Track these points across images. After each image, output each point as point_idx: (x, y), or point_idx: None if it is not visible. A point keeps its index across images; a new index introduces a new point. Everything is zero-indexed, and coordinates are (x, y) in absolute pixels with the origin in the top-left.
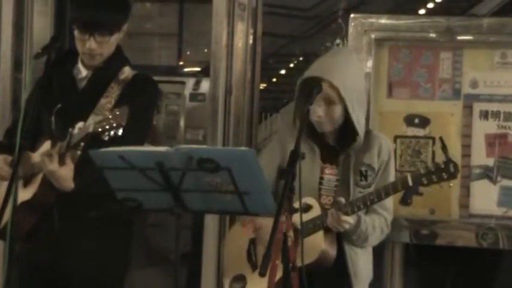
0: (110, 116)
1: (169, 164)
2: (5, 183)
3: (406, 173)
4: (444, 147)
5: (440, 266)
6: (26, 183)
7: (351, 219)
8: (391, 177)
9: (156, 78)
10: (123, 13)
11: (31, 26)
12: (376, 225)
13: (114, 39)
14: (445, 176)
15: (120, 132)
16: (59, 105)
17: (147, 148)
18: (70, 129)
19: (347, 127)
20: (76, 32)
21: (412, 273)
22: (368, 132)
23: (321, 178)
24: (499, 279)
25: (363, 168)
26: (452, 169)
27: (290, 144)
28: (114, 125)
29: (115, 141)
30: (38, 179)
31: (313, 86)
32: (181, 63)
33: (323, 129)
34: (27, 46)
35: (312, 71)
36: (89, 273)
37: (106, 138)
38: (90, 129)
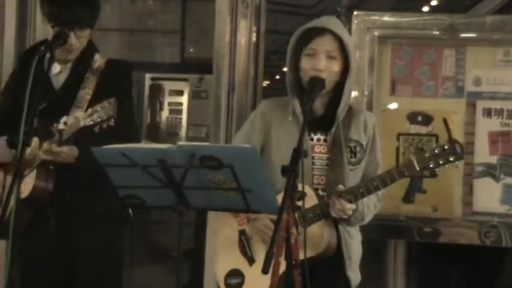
0: (99, 109)
1: (171, 161)
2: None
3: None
4: (448, 129)
5: (443, 263)
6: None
7: (354, 206)
8: (379, 155)
9: (159, 75)
10: (97, 5)
11: (34, 23)
12: (371, 204)
13: (91, 32)
14: (451, 158)
15: (113, 123)
16: (43, 105)
17: (150, 145)
18: (55, 125)
19: (336, 97)
20: (52, 29)
21: (414, 271)
22: (350, 108)
23: (312, 157)
24: (501, 277)
25: (352, 145)
26: (458, 149)
27: (276, 126)
28: (106, 117)
29: (107, 132)
30: (32, 176)
31: (316, 82)
32: (184, 60)
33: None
34: (31, 43)
35: (314, 23)
36: (87, 268)
37: (97, 131)
38: (81, 124)
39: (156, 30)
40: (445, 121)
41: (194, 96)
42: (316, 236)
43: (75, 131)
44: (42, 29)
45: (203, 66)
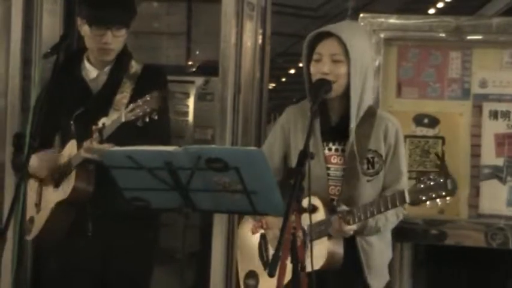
0: (141, 103)
1: (177, 164)
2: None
3: (414, 173)
4: (442, 163)
5: (449, 266)
6: (57, 185)
7: (354, 227)
8: (402, 163)
9: None
10: (134, 8)
11: (40, 25)
12: (388, 215)
13: (127, 33)
14: (443, 193)
15: (155, 115)
16: (81, 110)
17: (156, 148)
18: (94, 127)
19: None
20: (90, 29)
21: (421, 274)
22: (373, 113)
23: (328, 168)
24: (508, 280)
25: (370, 155)
26: (450, 186)
27: (294, 134)
28: (148, 110)
29: (149, 126)
30: (71, 178)
31: (322, 84)
32: (189, 62)
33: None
34: (37, 45)
35: (322, 28)
36: (124, 269)
37: (141, 125)
38: (123, 119)
39: (161, 32)
40: (437, 155)
41: (200, 98)
42: (318, 250)
43: (116, 127)
44: (48, 31)
45: (209, 69)
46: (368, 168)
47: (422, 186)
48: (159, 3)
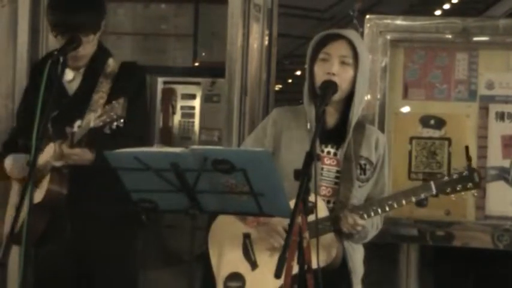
0: (108, 109)
1: (184, 165)
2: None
3: (421, 174)
4: (468, 157)
5: (456, 267)
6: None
7: (365, 222)
8: (386, 174)
9: (171, 79)
10: (102, 10)
11: (47, 28)
12: (374, 222)
13: (97, 37)
14: (469, 185)
15: (122, 123)
16: (56, 112)
17: (162, 149)
18: (68, 129)
19: (348, 110)
20: (58, 37)
21: (428, 275)
22: (362, 123)
23: (321, 169)
24: None
25: (362, 162)
26: (476, 178)
27: (286, 133)
28: (115, 117)
29: (117, 133)
30: (46, 181)
31: (328, 85)
32: (196, 64)
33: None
34: (43, 48)
35: (330, 31)
36: (103, 272)
37: (108, 132)
38: (91, 125)
39: (168, 34)
40: (466, 148)
41: (206, 100)
42: (327, 245)
43: (85, 132)
44: None
45: (215, 70)
46: (360, 174)
47: (447, 178)
48: (166, 5)
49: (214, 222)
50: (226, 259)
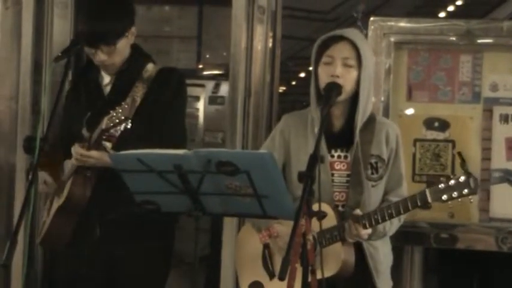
0: (120, 110)
1: (187, 167)
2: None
3: (425, 176)
4: (463, 162)
5: (460, 270)
6: (59, 193)
7: (369, 230)
8: (402, 166)
9: None
10: (126, 18)
11: (51, 29)
12: (394, 219)
13: (122, 46)
14: (465, 191)
15: (129, 125)
16: (89, 114)
17: (166, 151)
18: (85, 131)
19: (354, 112)
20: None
21: (432, 278)
22: (373, 119)
23: (332, 175)
24: None
25: (373, 160)
26: (472, 184)
27: (294, 141)
28: (122, 118)
29: (126, 135)
30: (68, 184)
31: (332, 86)
32: (200, 66)
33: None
34: (47, 49)
35: (333, 32)
36: (132, 274)
37: (118, 133)
38: (103, 126)
39: (172, 36)
40: (459, 154)
41: (210, 102)
42: (332, 257)
43: (99, 133)
44: (58, 35)
45: (219, 72)
46: (372, 173)
47: (443, 185)
48: (170, 8)
49: (239, 232)
50: (248, 268)
